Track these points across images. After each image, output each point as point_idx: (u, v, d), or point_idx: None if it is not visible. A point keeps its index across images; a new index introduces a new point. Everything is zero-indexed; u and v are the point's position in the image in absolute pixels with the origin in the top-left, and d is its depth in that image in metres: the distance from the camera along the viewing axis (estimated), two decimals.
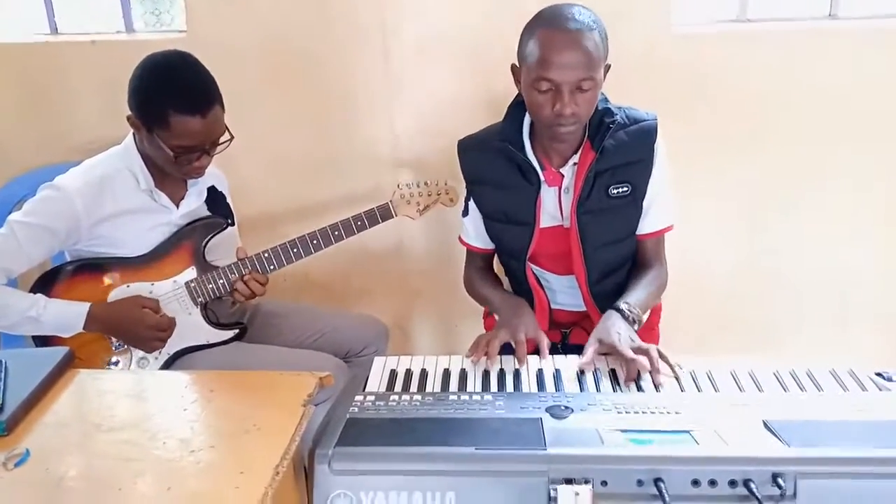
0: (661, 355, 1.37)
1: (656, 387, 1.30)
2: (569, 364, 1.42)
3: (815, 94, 2.13)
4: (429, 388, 1.34)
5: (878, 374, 1.32)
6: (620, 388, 1.32)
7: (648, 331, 1.79)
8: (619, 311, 1.50)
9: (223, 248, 1.86)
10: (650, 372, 1.33)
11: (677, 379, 1.34)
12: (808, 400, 1.23)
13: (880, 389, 1.27)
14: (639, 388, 1.31)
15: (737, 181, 2.23)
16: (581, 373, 1.37)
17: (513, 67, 1.54)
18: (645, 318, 1.64)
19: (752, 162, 2.20)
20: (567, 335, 1.78)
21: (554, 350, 1.67)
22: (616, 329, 1.44)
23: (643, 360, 1.33)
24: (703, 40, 2.14)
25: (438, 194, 2.00)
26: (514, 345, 1.45)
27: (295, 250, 1.85)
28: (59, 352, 1.29)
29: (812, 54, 2.11)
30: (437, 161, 2.22)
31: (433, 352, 2.49)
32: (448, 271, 2.34)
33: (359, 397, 1.26)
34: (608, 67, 1.49)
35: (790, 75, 2.12)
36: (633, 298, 1.56)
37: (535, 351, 1.48)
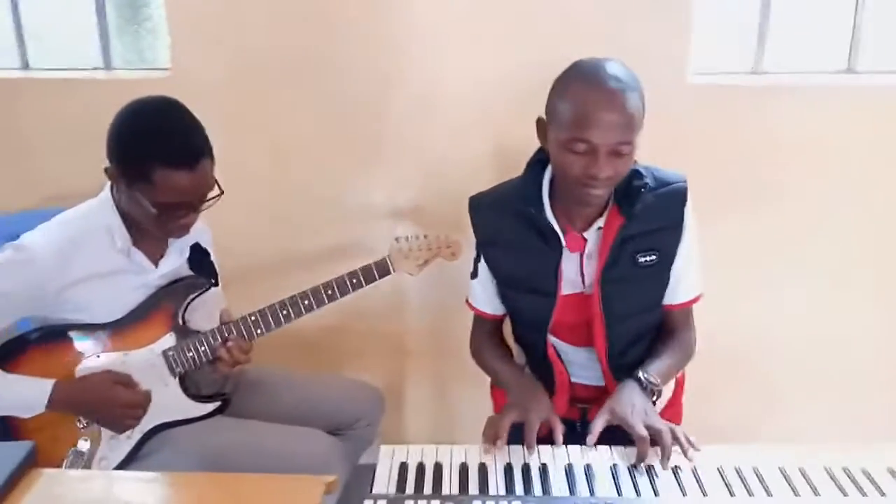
0: (676, 437, 1.25)
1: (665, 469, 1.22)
2: (601, 458, 1.27)
3: (829, 150, 2.03)
4: (445, 489, 1.18)
5: None
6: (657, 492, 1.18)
7: (668, 407, 1.66)
8: (636, 380, 1.40)
9: (205, 310, 1.69)
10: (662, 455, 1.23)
11: (695, 474, 1.21)
12: None
13: None
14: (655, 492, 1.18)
15: (749, 239, 2.11)
16: (615, 467, 1.23)
17: (539, 122, 1.41)
18: (665, 389, 1.51)
19: (767, 219, 2.09)
20: (586, 412, 1.63)
21: (571, 428, 1.55)
22: (630, 400, 1.34)
23: (650, 444, 1.24)
24: (718, 92, 2.04)
25: (439, 248, 1.85)
26: (524, 428, 1.31)
27: (284, 312, 1.68)
28: (20, 448, 1.10)
29: (828, 109, 2.02)
30: (437, 211, 2.08)
31: (428, 417, 2.35)
32: (446, 331, 2.19)
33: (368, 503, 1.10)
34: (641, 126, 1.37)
35: (805, 130, 2.02)
36: (654, 367, 1.45)
37: (549, 435, 1.33)
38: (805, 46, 2.16)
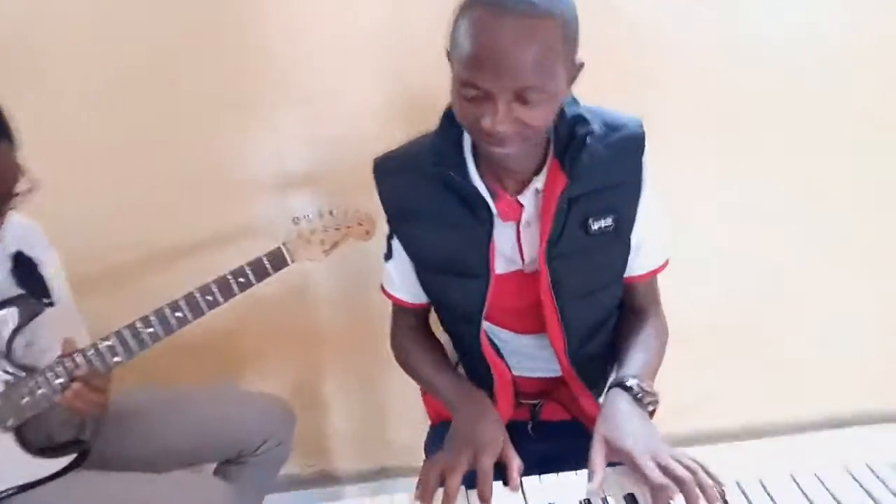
0: (701, 484, 0.91)
1: None
2: (567, 493, 0.98)
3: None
4: None
5: None
6: None
7: None
8: (626, 389, 1.07)
9: (44, 340, 1.30)
10: None
11: None
12: None
13: None
14: None
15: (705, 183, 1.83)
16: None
17: (448, 54, 1.05)
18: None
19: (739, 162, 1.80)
20: (537, 410, 1.35)
21: (522, 431, 1.27)
22: (630, 426, 1.01)
23: (673, 488, 0.90)
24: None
25: (349, 227, 1.47)
26: (477, 476, 1.00)
27: (150, 331, 1.31)
28: None
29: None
30: (337, 177, 1.70)
31: (351, 422, 2.01)
32: (364, 318, 1.84)
33: None
34: (581, 66, 1.02)
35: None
36: (640, 367, 1.13)
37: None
38: None
